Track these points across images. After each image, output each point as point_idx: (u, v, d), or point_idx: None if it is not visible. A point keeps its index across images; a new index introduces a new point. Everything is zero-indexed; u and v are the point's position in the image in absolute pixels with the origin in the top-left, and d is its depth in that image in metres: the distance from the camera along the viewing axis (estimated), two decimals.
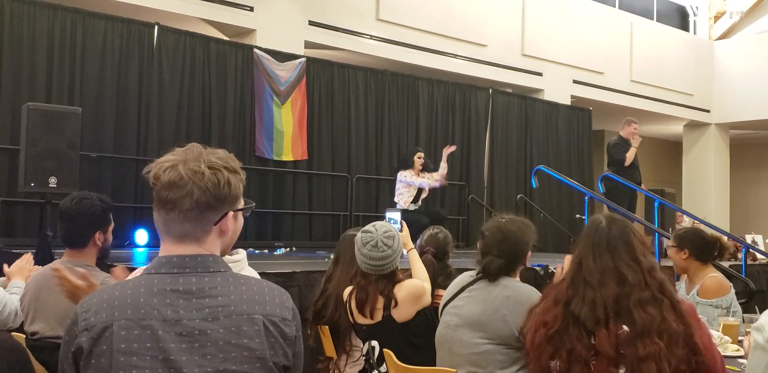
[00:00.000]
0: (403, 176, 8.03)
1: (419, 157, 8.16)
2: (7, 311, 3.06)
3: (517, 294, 2.89)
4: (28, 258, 3.48)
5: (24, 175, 5.70)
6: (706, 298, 3.79)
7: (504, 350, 2.85)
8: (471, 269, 3.10)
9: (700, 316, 3.59)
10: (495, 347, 2.85)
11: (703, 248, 3.93)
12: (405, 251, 3.56)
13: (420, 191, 8.19)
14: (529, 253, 3.07)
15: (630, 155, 9.34)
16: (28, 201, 7.04)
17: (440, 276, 3.79)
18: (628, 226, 2.42)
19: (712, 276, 3.89)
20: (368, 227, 3.36)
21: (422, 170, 8.21)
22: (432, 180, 8.07)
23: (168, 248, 1.63)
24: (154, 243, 7.38)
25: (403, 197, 8.04)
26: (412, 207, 8.09)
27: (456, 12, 11.39)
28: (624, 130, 9.67)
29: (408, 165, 8.13)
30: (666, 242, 6.10)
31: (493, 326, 2.85)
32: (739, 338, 3.33)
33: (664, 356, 2.14)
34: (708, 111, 16.09)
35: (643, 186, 9.50)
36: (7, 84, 7.30)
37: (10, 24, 7.34)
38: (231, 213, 1.66)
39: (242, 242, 7.81)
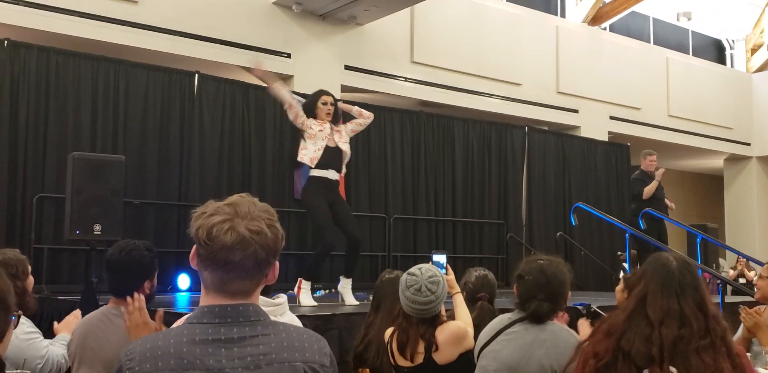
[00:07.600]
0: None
1: (325, 103, 5.77)
2: (49, 367, 3.18)
3: (554, 337, 2.87)
4: (76, 314, 3.58)
5: (69, 223, 5.84)
6: None
7: None
8: (512, 310, 3.09)
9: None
10: None
11: None
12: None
13: (333, 151, 5.79)
14: (569, 293, 3.07)
15: (649, 189, 9.11)
16: (74, 248, 7.19)
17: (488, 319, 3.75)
18: (697, 272, 2.42)
19: None
20: (414, 269, 3.32)
21: (333, 122, 5.89)
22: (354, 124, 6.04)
23: (213, 300, 1.64)
24: (195, 287, 7.44)
25: (308, 153, 5.70)
26: (318, 173, 5.72)
27: (490, 52, 11.51)
28: (643, 164, 9.47)
29: (311, 113, 5.80)
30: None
31: (530, 371, 2.84)
32: None
33: None
34: (749, 144, 15.90)
35: (672, 217, 9.31)
36: (53, 134, 7.51)
37: (56, 75, 7.58)
38: (277, 262, 1.69)
39: (281, 284, 7.84)
